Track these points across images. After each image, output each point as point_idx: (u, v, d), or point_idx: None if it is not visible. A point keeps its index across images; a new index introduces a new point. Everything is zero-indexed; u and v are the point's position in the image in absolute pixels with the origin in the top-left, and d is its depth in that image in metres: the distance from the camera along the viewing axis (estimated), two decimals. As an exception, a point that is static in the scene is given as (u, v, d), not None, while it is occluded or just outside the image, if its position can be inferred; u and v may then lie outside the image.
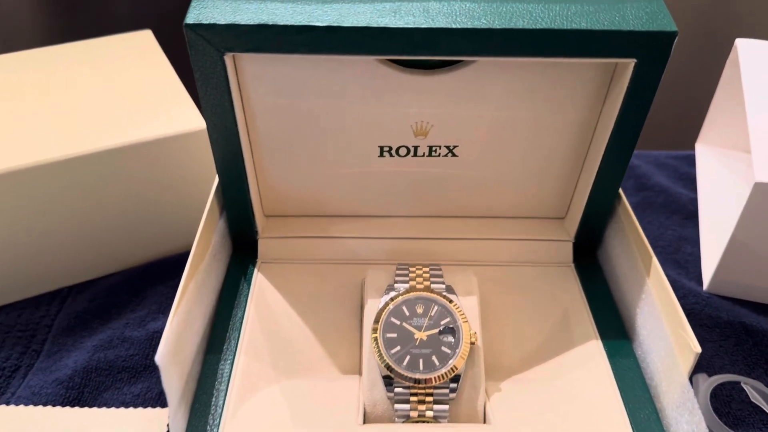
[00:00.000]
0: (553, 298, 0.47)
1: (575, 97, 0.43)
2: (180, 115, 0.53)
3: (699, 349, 0.37)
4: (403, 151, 0.46)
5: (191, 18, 0.37)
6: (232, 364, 0.42)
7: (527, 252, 0.50)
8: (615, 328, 0.45)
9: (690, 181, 0.70)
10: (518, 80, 0.42)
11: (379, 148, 0.46)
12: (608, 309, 0.47)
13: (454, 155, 0.47)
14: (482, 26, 0.37)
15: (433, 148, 0.46)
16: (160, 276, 0.57)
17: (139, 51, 0.62)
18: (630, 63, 0.39)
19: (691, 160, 0.72)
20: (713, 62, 0.71)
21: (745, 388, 0.49)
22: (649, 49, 0.38)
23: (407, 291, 0.42)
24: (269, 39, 0.38)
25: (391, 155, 0.46)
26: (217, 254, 0.47)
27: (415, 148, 0.46)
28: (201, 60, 0.39)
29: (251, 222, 0.48)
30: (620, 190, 0.47)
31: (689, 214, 0.66)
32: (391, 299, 0.42)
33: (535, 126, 0.45)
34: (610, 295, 0.48)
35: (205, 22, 0.37)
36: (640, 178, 0.70)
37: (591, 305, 0.47)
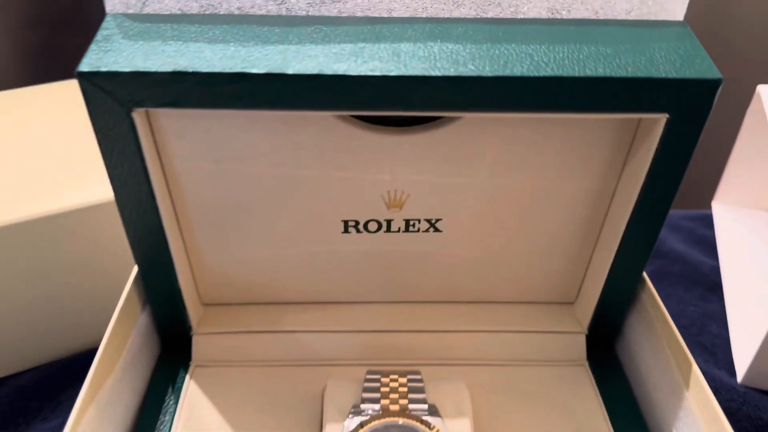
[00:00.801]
0: (564, 408, 0.38)
1: (587, 160, 0.34)
2: (101, 181, 0.44)
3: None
4: (373, 227, 0.37)
5: (87, 64, 0.28)
6: None
7: (530, 347, 0.40)
8: (644, 451, 0.35)
9: (709, 245, 0.61)
10: (515, 141, 0.33)
11: (342, 223, 0.37)
12: (633, 422, 0.37)
13: (436, 230, 0.37)
14: (469, 73, 0.28)
15: (411, 223, 0.37)
16: (79, 375, 0.46)
17: (71, 101, 0.53)
18: (660, 119, 0.30)
19: (708, 221, 0.63)
20: (731, 111, 0.63)
21: None
22: (685, 102, 0.30)
23: (378, 416, 0.32)
24: (190, 91, 0.29)
25: (358, 231, 0.37)
26: (135, 359, 0.37)
27: (389, 222, 0.37)
28: (102, 117, 0.29)
29: (182, 315, 0.38)
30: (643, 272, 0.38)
31: (712, 285, 0.57)
32: (360, 425, 0.32)
33: (537, 195, 0.36)
34: (634, 404, 0.38)
35: (104, 69, 0.28)
36: (651, 243, 0.61)
37: (611, 417, 0.37)
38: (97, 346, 0.48)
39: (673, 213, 0.65)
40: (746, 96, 0.57)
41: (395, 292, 0.41)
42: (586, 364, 0.40)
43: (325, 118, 0.32)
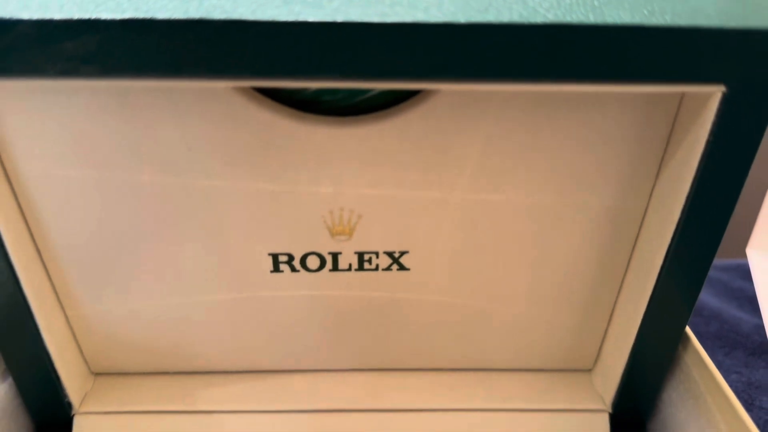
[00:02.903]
0: None
1: (606, 161, 0.25)
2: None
3: None
4: (313, 263, 0.27)
5: None
6: None
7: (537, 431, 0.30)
8: None
9: (748, 300, 0.52)
10: (507, 133, 0.24)
11: (270, 258, 0.27)
12: None
13: (402, 268, 0.27)
14: (433, 20, 0.19)
15: (366, 257, 0.27)
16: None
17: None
18: (713, 93, 0.21)
19: (744, 272, 0.55)
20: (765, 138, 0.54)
21: None
22: (751, 66, 0.20)
23: None
24: (14, 49, 0.19)
25: (293, 270, 0.27)
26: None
27: (334, 256, 0.27)
28: None
29: (57, 389, 0.28)
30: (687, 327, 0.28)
31: (757, 348, 0.47)
32: None
33: (538, 217, 0.26)
34: None
35: None
36: (679, 298, 0.51)
37: None
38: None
39: (702, 261, 0.56)
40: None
41: (351, 356, 0.31)
42: (613, 453, 0.30)
43: (228, 98, 0.22)
